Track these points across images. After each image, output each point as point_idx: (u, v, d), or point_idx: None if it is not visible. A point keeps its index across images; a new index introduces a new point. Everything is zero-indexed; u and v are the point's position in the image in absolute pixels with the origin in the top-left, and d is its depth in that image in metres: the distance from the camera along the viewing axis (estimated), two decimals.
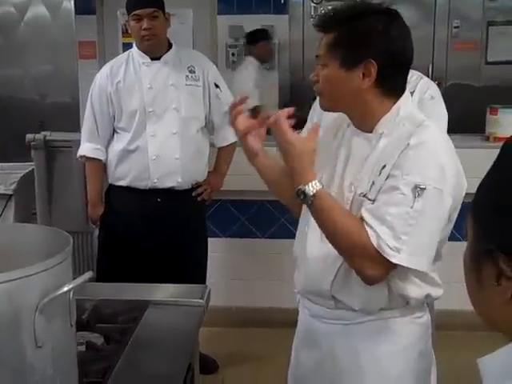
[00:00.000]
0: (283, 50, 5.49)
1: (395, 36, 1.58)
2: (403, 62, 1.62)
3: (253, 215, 3.79)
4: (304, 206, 1.74)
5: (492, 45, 5.58)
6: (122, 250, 3.12)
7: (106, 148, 3.13)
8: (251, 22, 5.28)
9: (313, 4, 5.80)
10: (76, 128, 4.16)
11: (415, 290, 1.62)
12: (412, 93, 2.56)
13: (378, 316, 1.65)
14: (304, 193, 1.53)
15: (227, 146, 3.25)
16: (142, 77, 3.06)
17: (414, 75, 2.54)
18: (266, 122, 1.66)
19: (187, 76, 3.09)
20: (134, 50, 3.11)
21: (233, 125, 1.75)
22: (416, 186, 1.49)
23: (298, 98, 5.44)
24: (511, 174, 0.77)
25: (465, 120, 3.83)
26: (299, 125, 2.33)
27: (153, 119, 3.03)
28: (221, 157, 3.27)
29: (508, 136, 0.85)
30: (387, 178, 1.54)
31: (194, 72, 3.11)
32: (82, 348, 1.55)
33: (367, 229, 1.52)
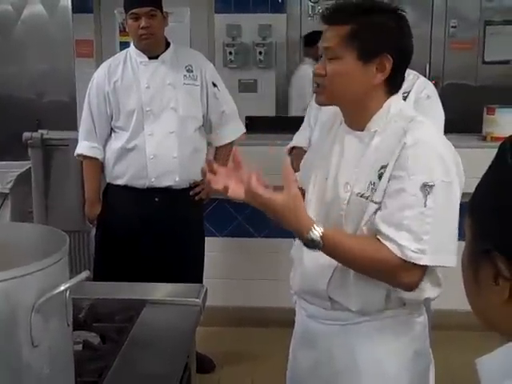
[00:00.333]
0: (281, 49, 5.49)
1: (406, 33, 1.60)
2: (408, 60, 1.63)
3: (249, 215, 3.79)
4: None
5: (489, 44, 5.59)
6: (119, 249, 3.12)
7: (104, 147, 3.13)
8: (248, 20, 5.27)
9: (310, 3, 5.80)
10: (73, 126, 4.15)
11: (414, 293, 1.62)
12: (408, 92, 2.56)
13: (374, 316, 1.65)
14: (311, 240, 1.50)
15: (225, 145, 3.25)
16: (140, 76, 3.05)
17: (410, 74, 2.54)
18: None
19: (185, 75, 3.09)
20: (132, 48, 3.11)
21: (209, 184, 1.67)
22: (424, 185, 1.50)
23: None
24: (509, 174, 0.77)
25: (462, 120, 3.82)
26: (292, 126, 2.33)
27: (150, 118, 3.03)
28: (218, 156, 3.27)
29: (505, 136, 0.85)
30: (389, 179, 1.53)
31: (192, 71, 3.10)
32: (79, 347, 1.55)
33: (386, 242, 1.51)
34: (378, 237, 1.53)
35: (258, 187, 1.48)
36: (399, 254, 1.50)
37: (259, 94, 5.38)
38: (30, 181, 3.60)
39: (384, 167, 1.55)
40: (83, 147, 3.14)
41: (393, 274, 1.54)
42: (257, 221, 3.80)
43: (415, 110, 1.79)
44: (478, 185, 0.83)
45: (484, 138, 3.65)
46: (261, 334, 3.62)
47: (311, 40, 5.30)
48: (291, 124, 3.17)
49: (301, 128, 3.00)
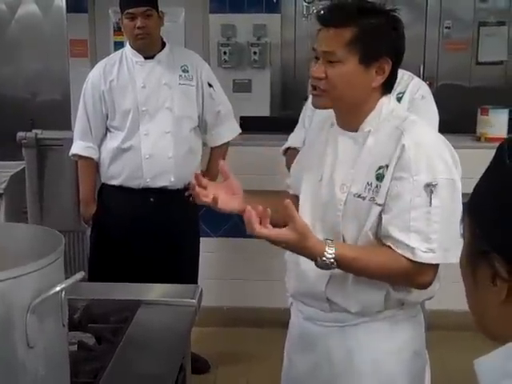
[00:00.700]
0: (275, 50, 5.48)
1: (402, 36, 1.61)
2: (401, 61, 1.64)
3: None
4: None
5: (483, 45, 5.59)
6: (114, 249, 3.11)
7: (99, 147, 3.12)
8: (243, 20, 5.27)
9: (305, 3, 5.80)
10: (67, 126, 4.14)
11: (415, 294, 1.63)
12: (403, 93, 2.56)
13: (373, 317, 1.65)
14: (325, 264, 1.52)
15: (220, 145, 3.25)
16: (136, 76, 3.05)
17: (404, 75, 2.55)
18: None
19: (180, 75, 3.09)
20: (128, 48, 3.10)
21: (197, 197, 1.67)
22: (428, 185, 1.51)
23: (289, 98, 5.43)
24: (507, 175, 0.77)
25: (456, 120, 3.83)
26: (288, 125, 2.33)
27: (146, 118, 3.03)
28: (214, 156, 3.27)
29: (499, 136, 0.85)
30: (391, 181, 1.54)
31: (188, 71, 3.10)
32: (74, 348, 1.55)
33: (397, 249, 1.53)
34: (389, 244, 1.54)
35: (261, 231, 1.48)
36: (412, 258, 1.52)
37: (254, 94, 5.37)
38: (24, 181, 3.59)
39: (382, 168, 1.55)
40: (78, 147, 3.14)
41: (409, 278, 1.57)
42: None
43: (410, 111, 1.80)
44: (476, 186, 0.83)
45: (478, 139, 3.66)
46: (256, 335, 3.62)
47: None
48: (286, 124, 3.17)
49: (296, 129, 3.00)
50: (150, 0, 3.02)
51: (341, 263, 1.52)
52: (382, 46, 1.57)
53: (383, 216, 1.55)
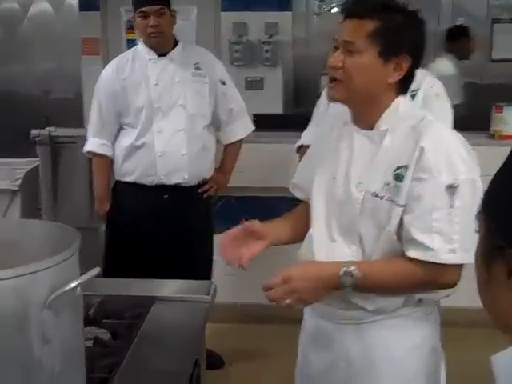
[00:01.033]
0: (287, 47, 5.48)
1: (424, 36, 1.61)
2: (420, 63, 1.63)
3: (257, 212, 3.78)
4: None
5: (496, 42, 5.56)
6: (128, 246, 3.12)
7: (113, 144, 3.13)
8: (255, 18, 5.27)
9: (316, 1, 5.79)
10: (80, 124, 4.16)
11: (433, 293, 1.63)
12: (417, 90, 2.55)
13: (390, 315, 1.64)
14: (351, 274, 1.53)
15: (233, 142, 3.25)
16: (149, 73, 3.06)
17: (418, 73, 2.53)
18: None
19: (193, 73, 3.09)
20: (141, 46, 3.11)
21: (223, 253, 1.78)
22: (449, 186, 1.51)
23: (302, 95, 5.43)
24: None
25: (470, 118, 3.81)
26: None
27: (159, 115, 3.03)
28: (227, 154, 3.27)
29: None
30: (411, 181, 1.53)
31: (201, 69, 3.10)
32: (89, 343, 1.56)
33: (420, 252, 1.53)
34: (409, 249, 1.54)
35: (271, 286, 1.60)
36: (435, 260, 1.52)
37: (266, 91, 5.37)
38: (38, 178, 3.61)
39: (401, 168, 1.55)
40: (93, 144, 3.15)
41: (432, 282, 1.56)
42: (264, 217, 3.80)
43: (424, 109, 1.79)
44: (492, 181, 0.83)
45: (492, 136, 3.64)
46: (269, 331, 3.63)
47: (453, 34, 5.29)
48: (298, 122, 3.17)
49: (309, 126, 3.00)
50: None
51: (363, 283, 1.54)
52: (403, 43, 1.56)
53: (405, 217, 1.54)
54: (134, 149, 3.06)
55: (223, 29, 5.34)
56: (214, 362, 3.27)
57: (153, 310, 1.78)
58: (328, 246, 1.65)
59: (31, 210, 3.62)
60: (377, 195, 1.57)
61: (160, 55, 3.08)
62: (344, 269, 1.53)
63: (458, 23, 5.40)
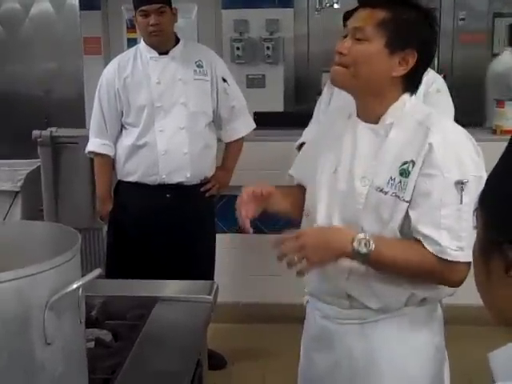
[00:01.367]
0: (288, 44, 5.47)
1: (435, 34, 1.60)
2: (429, 62, 1.63)
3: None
4: (307, 202, 1.73)
5: (498, 37, 5.54)
6: (131, 245, 3.12)
7: (115, 144, 3.13)
8: (256, 16, 5.26)
9: None
10: (81, 124, 4.15)
11: (436, 291, 1.62)
12: None
13: (393, 314, 1.64)
14: (365, 244, 1.50)
15: (235, 140, 3.25)
16: (150, 72, 3.06)
17: None
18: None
19: (195, 70, 3.09)
20: (142, 44, 3.11)
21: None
22: (458, 182, 1.50)
23: (303, 93, 5.42)
24: None
25: (471, 113, 3.80)
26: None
27: (161, 114, 3.03)
28: (228, 152, 3.27)
29: None
30: (418, 177, 1.53)
31: (202, 66, 3.10)
32: (91, 345, 1.56)
33: (428, 246, 1.52)
34: (420, 238, 1.53)
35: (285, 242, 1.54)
36: (442, 256, 1.51)
37: (267, 89, 5.36)
38: (40, 179, 3.61)
39: (407, 163, 1.54)
40: (94, 144, 3.15)
41: (438, 275, 1.55)
42: (266, 216, 3.80)
43: (425, 104, 1.78)
44: (489, 176, 0.83)
45: (493, 131, 3.63)
46: (272, 331, 3.62)
47: None
48: (299, 119, 3.16)
49: (310, 123, 2.99)
50: None
51: (377, 242, 1.50)
52: (411, 37, 1.55)
53: (410, 212, 1.53)
54: (136, 148, 3.06)
55: (224, 26, 5.33)
56: (216, 362, 3.27)
57: (155, 311, 1.78)
58: None
59: (33, 212, 3.62)
60: (381, 190, 1.56)
61: (161, 53, 3.08)
62: (361, 235, 1.50)
63: None
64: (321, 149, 1.73)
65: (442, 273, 1.54)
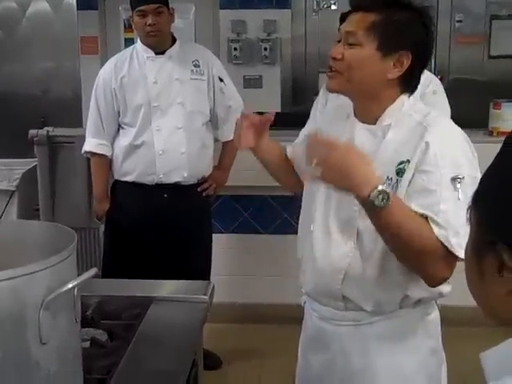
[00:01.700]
0: (285, 45, 5.47)
1: (430, 34, 1.59)
2: (426, 62, 1.62)
3: (256, 211, 3.78)
4: (305, 201, 1.73)
5: (495, 39, 5.56)
6: (127, 245, 3.12)
7: (112, 144, 3.13)
8: (253, 16, 5.26)
9: None
10: (78, 124, 4.15)
11: (431, 291, 1.61)
12: None
13: (388, 315, 1.64)
14: (372, 203, 1.40)
15: (232, 140, 3.24)
16: (147, 71, 3.06)
17: None
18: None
19: (192, 70, 3.09)
20: (139, 44, 3.11)
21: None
22: (454, 179, 1.49)
23: (300, 93, 5.42)
24: None
25: (468, 115, 3.81)
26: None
27: (158, 114, 3.03)
28: (225, 151, 3.27)
29: (511, 130, 0.85)
30: (414, 175, 1.51)
31: (199, 66, 3.10)
32: (87, 344, 1.55)
33: (435, 227, 1.47)
34: (429, 218, 1.47)
35: (319, 139, 1.47)
36: (445, 243, 1.46)
37: (264, 89, 5.36)
38: (36, 178, 3.60)
39: (404, 163, 1.53)
40: (91, 144, 3.15)
41: (435, 265, 1.49)
42: (263, 217, 3.80)
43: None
44: (484, 176, 0.83)
45: (490, 133, 3.64)
46: (268, 331, 3.63)
47: None
48: (297, 120, 3.16)
49: (307, 124, 2.98)
50: None
51: (392, 205, 1.40)
52: (404, 39, 1.55)
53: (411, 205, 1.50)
54: (133, 148, 3.06)
55: (222, 27, 5.33)
56: (212, 362, 3.27)
57: (150, 311, 1.78)
58: (327, 244, 1.64)
59: (29, 211, 3.61)
60: None
61: (158, 53, 3.08)
62: (383, 187, 1.40)
63: None
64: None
65: (435, 261, 1.48)
